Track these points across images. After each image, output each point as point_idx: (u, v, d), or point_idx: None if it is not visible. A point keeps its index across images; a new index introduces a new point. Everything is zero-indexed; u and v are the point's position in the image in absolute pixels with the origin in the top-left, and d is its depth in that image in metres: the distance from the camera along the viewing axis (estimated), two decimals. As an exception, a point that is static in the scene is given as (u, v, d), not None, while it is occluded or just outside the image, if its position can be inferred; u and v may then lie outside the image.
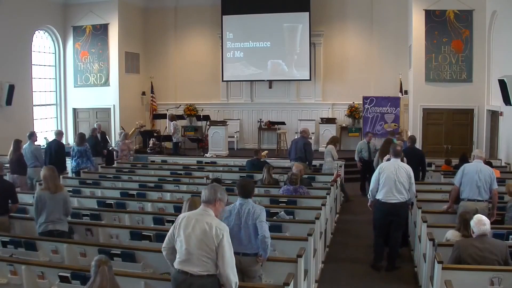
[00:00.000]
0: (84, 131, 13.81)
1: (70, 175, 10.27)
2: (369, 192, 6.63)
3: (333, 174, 9.37)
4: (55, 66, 15.54)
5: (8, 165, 9.38)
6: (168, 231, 4.00)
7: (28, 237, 5.51)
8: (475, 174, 6.13)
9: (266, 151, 13.16)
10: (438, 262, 4.40)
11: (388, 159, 6.98)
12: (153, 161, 12.29)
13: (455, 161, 10.27)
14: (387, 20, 14.99)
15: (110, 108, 15.42)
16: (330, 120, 15.01)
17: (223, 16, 15.66)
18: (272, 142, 15.62)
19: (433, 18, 13.13)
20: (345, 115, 15.40)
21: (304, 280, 4.86)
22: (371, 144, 10.87)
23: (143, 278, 4.23)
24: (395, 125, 14.04)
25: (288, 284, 4.03)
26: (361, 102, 14.54)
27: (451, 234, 5.27)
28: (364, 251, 7.29)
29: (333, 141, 10.58)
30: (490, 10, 12.40)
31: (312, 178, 9.03)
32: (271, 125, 15.42)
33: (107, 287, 3.57)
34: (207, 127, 14.83)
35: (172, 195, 7.80)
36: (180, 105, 16.35)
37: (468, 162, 7.15)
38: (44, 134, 14.78)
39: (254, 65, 15.74)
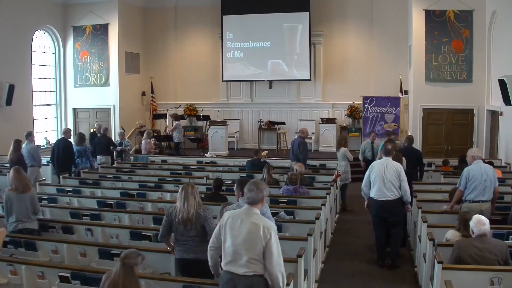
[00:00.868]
0: (84, 131, 13.86)
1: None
2: (362, 191, 6.69)
3: (348, 180, 9.53)
4: (55, 66, 15.54)
5: (8, 165, 9.39)
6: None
7: (28, 237, 5.52)
8: (481, 176, 6.09)
9: (266, 151, 13.16)
10: (438, 262, 4.39)
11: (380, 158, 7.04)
12: (153, 161, 12.29)
13: (452, 161, 10.25)
14: (387, 20, 14.99)
15: (110, 108, 15.42)
16: (330, 120, 15.00)
17: (223, 16, 15.66)
18: (272, 142, 15.62)
19: (433, 18, 13.13)
20: (345, 115, 15.40)
21: (304, 280, 4.86)
22: (375, 144, 10.82)
23: (143, 278, 4.22)
24: (395, 125, 14.04)
25: (288, 284, 4.03)
26: (361, 102, 14.54)
27: (451, 234, 5.27)
28: (364, 251, 7.30)
29: (344, 142, 10.06)
30: (490, 10, 12.40)
31: (312, 178, 9.03)
32: (271, 125, 15.42)
33: (119, 283, 3.53)
34: (207, 127, 14.83)
35: (172, 195, 7.78)
36: (180, 105, 16.34)
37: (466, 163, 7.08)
38: (44, 134, 14.80)
39: (254, 65, 15.74)
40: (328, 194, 7.40)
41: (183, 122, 16.09)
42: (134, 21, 16.17)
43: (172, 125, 14.52)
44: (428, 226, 5.74)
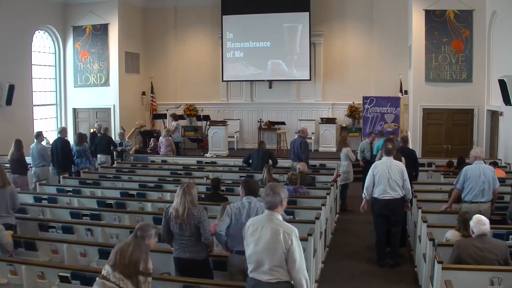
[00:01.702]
0: (84, 131, 13.87)
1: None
2: (364, 190, 6.67)
3: (349, 180, 9.53)
4: (55, 66, 15.54)
5: (7, 164, 9.39)
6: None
7: (28, 237, 5.52)
8: (479, 177, 6.09)
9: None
10: (438, 262, 4.39)
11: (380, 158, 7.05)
12: (153, 161, 12.29)
13: (454, 161, 10.26)
14: (387, 20, 14.98)
15: (110, 108, 15.42)
16: (330, 120, 15.01)
17: (223, 16, 15.66)
18: (272, 142, 15.59)
19: (433, 18, 13.13)
20: (345, 115, 15.40)
21: (304, 280, 4.85)
22: (373, 144, 10.82)
23: (143, 278, 4.22)
24: (395, 125, 14.04)
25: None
26: (361, 102, 14.54)
27: (451, 234, 5.27)
28: (364, 251, 7.30)
29: (345, 141, 9.97)
30: (490, 10, 12.39)
31: (312, 178, 9.03)
32: (271, 125, 15.42)
33: (127, 251, 3.59)
34: (207, 127, 14.83)
35: (172, 195, 7.70)
36: (180, 105, 16.34)
37: (466, 163, 7.09)
38: (44, 134, 14.74)
39: (254, 65, 15.74)
40: (328, 194, 7.40)
41: (183, 122, 16.09)
42: (134, 21, 16.17)
43: (172, 125, 14.51)
44: (428, 226, 5.73)
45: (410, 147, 10.46)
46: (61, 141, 10.15)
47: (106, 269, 3.58)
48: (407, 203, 6.62)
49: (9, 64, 12.71)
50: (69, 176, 9.77)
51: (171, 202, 7.20)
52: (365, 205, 6.70)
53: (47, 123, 15.18)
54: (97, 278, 3.61)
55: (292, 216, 6.37)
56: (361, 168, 10.85)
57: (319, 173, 10.05)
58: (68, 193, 8.00)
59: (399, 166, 6.47)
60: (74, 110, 15.81)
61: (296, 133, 13.89)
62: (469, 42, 12.99)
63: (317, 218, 5.94)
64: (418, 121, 13.58)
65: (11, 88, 12.34)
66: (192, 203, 4.52)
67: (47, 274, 4.53)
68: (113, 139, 12.63)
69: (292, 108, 15.92)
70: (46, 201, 7.57)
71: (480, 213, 5.23)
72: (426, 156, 12.74)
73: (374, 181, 6.47)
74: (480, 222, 4.53)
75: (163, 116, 16.02)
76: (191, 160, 12.42)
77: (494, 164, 8.33)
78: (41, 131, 10.17)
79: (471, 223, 4.62)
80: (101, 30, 15.18)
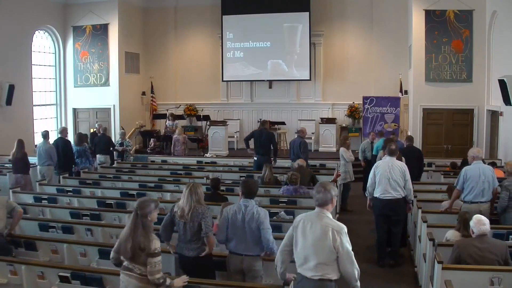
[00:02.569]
0: (84, 131, 13.88)
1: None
2: (367, 190, 6.73)
3: (347, 179, 9.57)
4: (55, 66, 15.54)
5: (7, 164, 9.40)
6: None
7: (28, 237, 5.52)
8: (479, 177, 6.10)
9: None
10: (438, 262, 4.39)
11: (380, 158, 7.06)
12: (153, 161, 12.29)
13: (455, 162, 10.26)
14: (387, 20, 14.98)
15: (110, 108, 15.42)
16: (330, 120, 15.00)
17: (223, 16, 15.66)
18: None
19: (433, 18, 13.13)
20: (345, 115, 15.39)
21: (304, 280, 4.85)
22: (374, 144, 10.82)
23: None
24: (395, 125, 14.04)
25: (288, 284, 4.03)
26: (361, 102, 14.54)
27: (451, 234, 5.27)
28: (364, 251, 7.28)
29: (344, 142, 9.99)
30: (490, 10, 12.40)
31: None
32: (271, 125, 15.39)
33: (128, 235, 3.78)
34: (207, 127, 14.83)
35: (172, 195, 7.79)
36: (180, 105, 16.34)
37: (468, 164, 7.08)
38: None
39: (254, 65, 15.74)
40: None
41: (183, 122, 16.09)
42: (134, 21, 16.17)
43: (173, 126, 14.53)
44: (428, 226, 5.74)
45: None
46: (62, 141, 10.15)
47: (125, 260, 3.81)
48: (408, 204, 6.62)
49: (9, 64, 12.71)
50: (69, 176, 9.77)
51: (171, 202, 7.26)
52: (370, 203, 6.74)
53: (47, 123, 15.17)
54: (120, 271, 3.84)
55: (292, 216, 6.36)
56: (362, 168, 10.89)
57: (319, 173, 10.04)
58: (68, 193, 8.00)
59: (401, 166, 6.48)
60: (74, 110, 15.81)
61: (295, 133, 13.90)
62: (469, 42, 12.99)
63: (317, 218, 5.92)
64: (418, 121, 13.58)
65: (11, 88, 12.34)
66: (198, 202, 4.54)
67: (47, 274, 4.53)
68: (112, 139, 12.64)
69: (292, 108, 15.92)
70: (46, 201, 7.57)
71: (480, 213, 5.23)
72: (426, 156, 12.56)
73: (375, 181, 6.50)
74: (480, 222, 4.53)
75: (163, 116, 16.02)
76: (191, 160, 12.43)
77: (493, 164, 8.33)
78: (48, 131, 10.16)
79: (471, 223, 4.61)
80: (101, 30, 15.18)
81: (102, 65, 15.30)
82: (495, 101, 11.76)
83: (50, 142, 9.93)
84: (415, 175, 8.61)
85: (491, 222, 4.92)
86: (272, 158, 9.93)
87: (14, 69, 12.89)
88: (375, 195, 6.54)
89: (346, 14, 15.45)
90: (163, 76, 16.82)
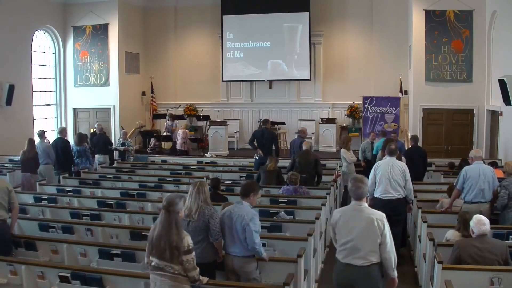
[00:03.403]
0: (84, 131, 13.87)
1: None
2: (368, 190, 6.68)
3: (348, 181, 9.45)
4: (55, 66, 15.54)
5: (8, 165, 9.39)
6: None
7: (28, 237, 5.52)
8: (478, 177, 6.11)
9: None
10: (438, 262, 4.40)
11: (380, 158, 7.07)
12: (153, 161, 12.29)
13: (455, 162, 10.25)
14: (387, 20, 14.98)
15: (110, 108, 15.42)
16: (330, 120, 15.00)
17: (223, 16, 15.66)
18: (272, 142, 15.59)
19: (433, 18, 13.12)
20: (345, 115, 15.39)
21: (304, 280, 4.86)
22: (374, 144, 10.81)
23: (143, 278, 4.22)
24: (395, 125, 14.04)
25: (288, 284, 4.03)
26: (361, 102, 14.54)
27: (451, 234, 5.27)
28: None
29: (344, 143, 9.93)
30: (490, 10, 12.39)
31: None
32: (271, 125, 15.38)
33: (162, 235, 3.72)
34: (207, 127, 14.83)
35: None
36: (180, 105, 16.35)
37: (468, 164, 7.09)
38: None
39: (254, 65, 15.74)
40: (328, 194, 7.40)
41: (183, 122, 16.07)
42: (134, 21, 16.17)
43: (173, 125, 14.53)
44: (428, 226, 5.74)
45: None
46: (61, 141, 10.16)
47: (154, 260, 3.73)
48: (409, 204, 6.63)
49: (9, 64, 12.70)
50: (69, 176, 9.77)
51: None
52: (370, 203, 6.72)
53: (47, 123, 15.17)
54: (150, 271, 3.79)
55: (292, 216, 6.37)
56: (362, 168, 10.87)
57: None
58: (68, 193, 8.00)
59: (402, 166, 6.49)
60: (74, 110, 15.81)
61: (296, 133, 13.91)
62: (469, 42, 12.99)
63: (317, 218, 5.94)
64: (418, 121, 13.57)
65: (11, 88, 12.33)
66: (205, 201, 4.52)
67: (47, 274, 4.53)
68: (112, 139, 12.66)
69: (292, 108, 15.92)
70: (46, 201, 7.57)
71: (481, 213, 5.24)
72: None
73: (375, 181, 6.50)
74: (480, 222, 4.53)
75: (163, 116, 16.01)
76: (191, 160, 12.43)
77: (493, 164, 8.33)
78: (43, 130, 10.18)
79: (471, 223, 4.62)
80: (101, 30, 15.18)
81: (102, 65, 15.30)
82: (495, 101, 11.76)
83: (47, 141, 9.93)
84: (420, 175, 8.63)
85: (491, 222, 4.92)
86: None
87: (14, 69, 12.89)
88: (375, 195, 6.54)
89: (346, 14, 15.45)
90: (163, 76, 16.82)
